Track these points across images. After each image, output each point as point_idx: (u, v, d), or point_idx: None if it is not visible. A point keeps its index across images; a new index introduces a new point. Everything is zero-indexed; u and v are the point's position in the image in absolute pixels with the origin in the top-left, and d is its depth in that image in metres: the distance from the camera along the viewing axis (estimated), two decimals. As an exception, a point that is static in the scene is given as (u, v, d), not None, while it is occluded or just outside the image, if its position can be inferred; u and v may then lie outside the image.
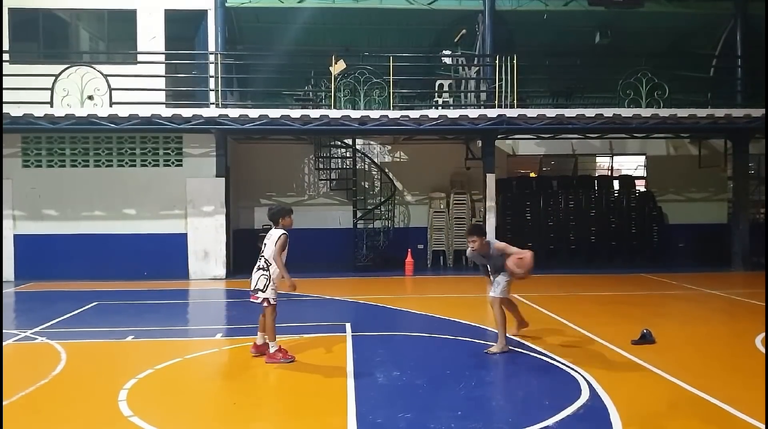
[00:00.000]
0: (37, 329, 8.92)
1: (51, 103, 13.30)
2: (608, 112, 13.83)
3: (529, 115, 13.82)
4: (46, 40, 15.01)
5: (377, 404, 5.69)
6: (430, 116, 13.76)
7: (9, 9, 14.26)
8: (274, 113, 13.47)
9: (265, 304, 7.06)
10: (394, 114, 13.60)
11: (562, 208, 16.77)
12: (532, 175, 18.50)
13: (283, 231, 7.09)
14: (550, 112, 13.92)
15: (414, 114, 13.72)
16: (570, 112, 13.95)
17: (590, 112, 13.86)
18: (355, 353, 7.44)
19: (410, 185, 17.22)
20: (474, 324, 9.13)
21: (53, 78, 13.33)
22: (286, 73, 15.74)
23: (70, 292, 12.63)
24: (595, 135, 16.77)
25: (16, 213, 14.30)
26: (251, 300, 7.17)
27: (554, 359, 7.13)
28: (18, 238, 14.30)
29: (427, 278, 14.76)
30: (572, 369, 6.71)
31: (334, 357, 7.37)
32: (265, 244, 7.11)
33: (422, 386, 6.25)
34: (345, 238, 16.16)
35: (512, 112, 13.80)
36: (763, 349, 7.55)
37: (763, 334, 8.17)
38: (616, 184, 17.76)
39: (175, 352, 7.57)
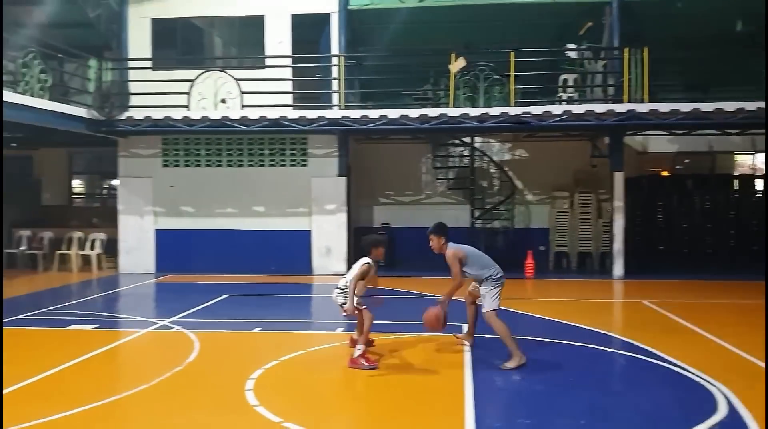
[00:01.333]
0: (173, 318, 9.54)
1: (188, 107, 14.19)
2: (750, 105, 12.79)
3: (661, 110, 13.07)
4: (184, 47, 16.01)
5: (495, 408, 5.60)
6: (553, 112, 13.35)
7: (152, 19, 15.32)
8: (394, 113, 13.61)
9: (355, 312, 7.02)
10: (514, 110, 13.32)
11: (697, 210, 15.76)
12: (665, 173, 17.51)
13: (367, 260, 7.08)
14: (685, 107, 13.09)
15: (536, 110, 13.37)
16: (707, 107, 13.05)
17: (730, 106, 12.89)
18: (473, 355, 7.36)
19: (531, 184, 16.80)
20: (598, 330, 8.76)
21: (190, 83, 14.21)
22: (406, 73, 15.83)
23: (203, 285, 13.41)
24: (735, 131, 15.57)
25: (156, 209, 15.37)
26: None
27: (687, 370, 6.69)
28: (158, 233, 15.36)
29: (548, 281, 14.35)
30: (707, 381, 6.26)
31: (451, 358, 7.33)
32: (353, 267, 7.16)
33: (543, 392, 6.08)
34: (462, 237, 15.96)
35: (642, 107, 13.12)
36: None
37: None
38: (758, 184, 16.40)
39: (298, 345, 7.84)
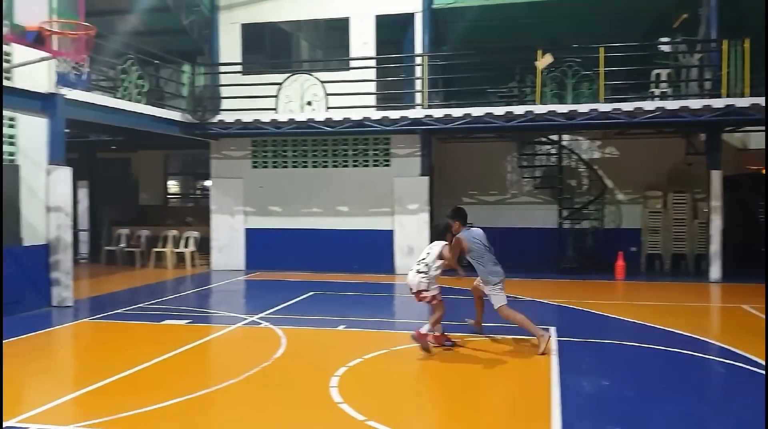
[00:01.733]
0: (262, 315, 9.81)
1: (276, 110, 14.56)
2: None
3: (763, 104, 12.32)
4: (272, 51, 16.44)
5: (584, 413, 5.43)
6: (645, 108, 12.84)
7: (241, 24, 15.83)
8: (478, 111, 13.46)
9: (434, 301, 7.45)
10: (604, 107, 12.91)
11: (804, 209, 14.74)
12: (767, 171, 16.49)
13: (445, 243, 7.60)
14: (790, 100, 12.30)
15: (627, 106, 12.90)
16: (816, 100, 12.20)
17: (842, 99, 12.00)
18: (560, 358, 7.18)
19: (622, 183, 16.22)
20: (693, 335, 8.35)
21: (278, 86, 14.56)
22: (491, 71, 15.63)
23: (290, 282, 13.72)
24: None
25: (246, 209, 15.86)
26: (417, 301, 7.67)
27: (793, 381, 6.26)
28: (248, 232, 15.85)
29: (640, 283, 13.81)
30: (816, 394, 5.84)
31: (538, 360, 7.17)
32: (428, 253, 7.56)
33: (633, 398, 5.86)
34: (549, 238, 15.67)
35: (743, 102, 12.40)
36: None
37: None
38: None
39: (382, 344, 7.88)
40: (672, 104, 12.84)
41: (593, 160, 16.36)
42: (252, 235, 15.81)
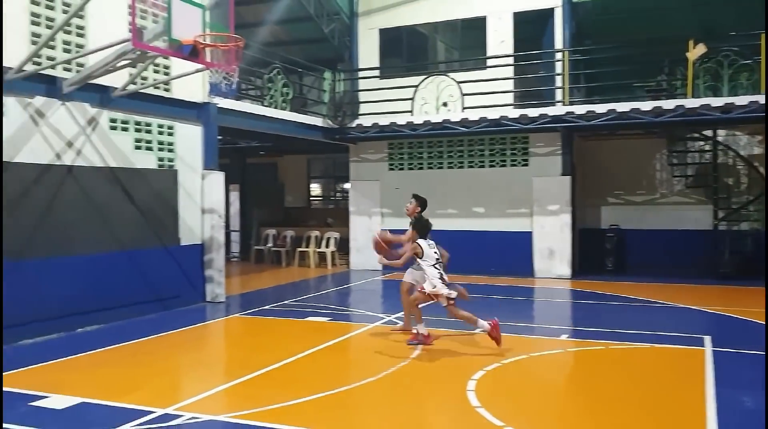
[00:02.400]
0: (398, 314, 9.91)
1: (411, 112, 14.70)
2: None
3: None
4: (409, 54, 16.63)
5: (744, 433, 4.98)
6: (816, 98, 11.62)
7: (379, 29, 16.18)
8: (623, 107, 12.82)
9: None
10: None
11: None
12: None
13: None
14: None
15: (795, 97, 11.74)
16: None
17: None
18: (716, 371, 6.64)
19: (788, 181, 14.76)
20: None
21: (414, 88, 14.70)
22: (637, 64, 14.82)
23: (426, 284, 13.75)
24: None
25: (383, 210, 16.15)
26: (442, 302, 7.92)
27: None
28: (381, 234, 16.11)
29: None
30: None
31: (690, 373, 6.68)
32: (438, 253, 8.17)
33: (804, 419, 5.28)
34: (704, 240, 14.58)
35: None
36: None
37: None
38: None
39: (521, 349, 7.70)
40: None
41: (753, 157, 15.01)
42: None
